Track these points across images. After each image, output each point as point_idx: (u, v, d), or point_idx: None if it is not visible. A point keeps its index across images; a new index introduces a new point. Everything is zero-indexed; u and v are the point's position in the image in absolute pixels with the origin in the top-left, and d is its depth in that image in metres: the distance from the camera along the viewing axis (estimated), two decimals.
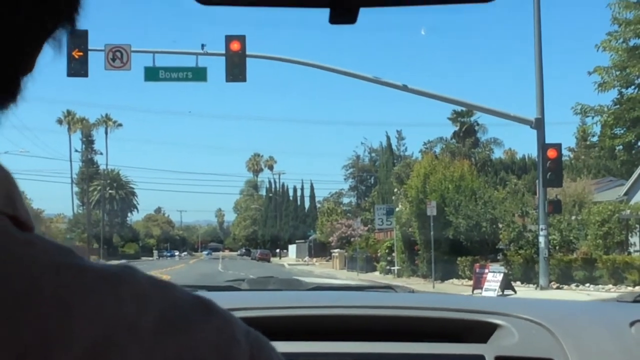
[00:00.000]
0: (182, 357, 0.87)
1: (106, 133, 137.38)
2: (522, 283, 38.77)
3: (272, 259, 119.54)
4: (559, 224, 41.27)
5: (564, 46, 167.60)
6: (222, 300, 2.98)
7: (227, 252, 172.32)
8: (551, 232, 37.91)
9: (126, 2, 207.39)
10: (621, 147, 35.33)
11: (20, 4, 0.89)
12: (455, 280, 45.59)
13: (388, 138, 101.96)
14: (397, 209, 59.27)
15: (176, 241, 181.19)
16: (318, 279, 47.86)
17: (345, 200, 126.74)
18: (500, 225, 45.47)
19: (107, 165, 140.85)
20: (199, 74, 36.62)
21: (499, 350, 2.65)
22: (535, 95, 35.19)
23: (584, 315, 2.99)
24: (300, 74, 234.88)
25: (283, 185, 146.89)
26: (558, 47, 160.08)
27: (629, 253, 40.01)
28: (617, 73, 34.00)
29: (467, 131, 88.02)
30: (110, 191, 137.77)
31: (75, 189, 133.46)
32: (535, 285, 35.84)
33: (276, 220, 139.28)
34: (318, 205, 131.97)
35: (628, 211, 41.47)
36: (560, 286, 36.77)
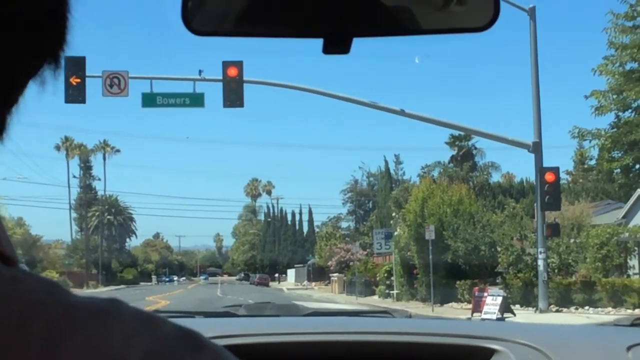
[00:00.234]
0: None
1: (104, 159, 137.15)
2: (521, 306, 38.68)
3: (271, 283, 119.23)
4: (557, 247, 41.22)
5: (561, 70, 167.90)
6: (220, 326, 2.99)
7: (225, 277, 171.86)
8: (550, 255, 37.86)
9: (123, 29, 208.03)
10: (619, 170, 35.37)
11: (6, 43, 0.88)
12: (454, 304, 45.48)
13: (386, 162, 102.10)
14: (395, 233, 59.19)
15: (175, 266, 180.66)
16: (317, 303, 47.81)
17: (344, 224, 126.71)
18: (498, 249, 45.41)
19: (105, 191, 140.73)
20: (196, 100, 36.61)
21: None
22: (533, 119, 35.23)
23: (581, 339, 2.99)
24: (297, 99, 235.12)
25: (281, 210, 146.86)
26: (555, 72, 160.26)
27: (628, 276, 39.99)
28: (614, 97, 34.04)
29: (464, 155, 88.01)
30: (108, 217, 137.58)
31: (74, 214, 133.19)
32: (535, 309, 35.77)
33: (275, 244, 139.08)
34: (316, 229, 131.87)
35: (626, 234, 41.44)
36: (560, 309, 36.70)
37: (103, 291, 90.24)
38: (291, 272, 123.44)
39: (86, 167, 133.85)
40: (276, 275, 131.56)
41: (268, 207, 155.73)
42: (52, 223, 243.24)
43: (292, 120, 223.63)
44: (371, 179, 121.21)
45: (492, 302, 31.96)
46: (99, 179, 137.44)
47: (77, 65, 33.40)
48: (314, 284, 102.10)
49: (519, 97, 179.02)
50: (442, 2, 1.54)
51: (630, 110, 34.39)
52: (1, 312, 0.82)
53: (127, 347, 0.85)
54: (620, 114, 34.69)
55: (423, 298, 49.75)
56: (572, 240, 43.59)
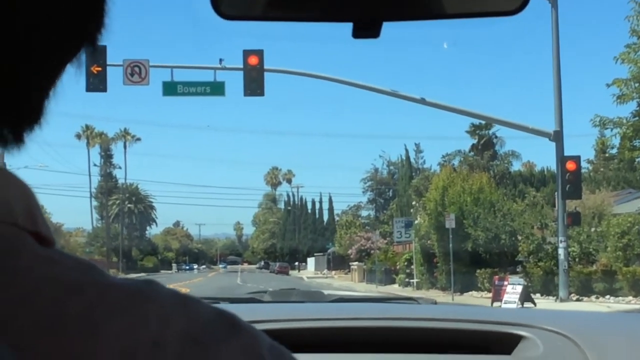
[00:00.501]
0: None
1: (125, 147, 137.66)
2: (541, 295, 38.61)
3: (290, 272, 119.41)
4: (578, 236, 41.13)
5: (583, 58, 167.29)
6: (245, 312, 2.99)
7: (245, 266, 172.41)
8: (570, 244, 37.76)
9: (144, 17, 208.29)
10: None
11: (47, 26, 0.88)
12: (474, 293, 45.46)
13: (406, 151, 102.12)
14: (415, 222, 59.19)
15: (195, 254, 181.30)
16: (337, 291, 47.81)
17: (364, 213, 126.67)
18: (519, 238, 45.36)
19: (125, 179, 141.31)
20: (217, 89, 36.68)
21: None
22: (554, 107, 35.13)
23: (609, 327, 2.98)
24: (318, 87, 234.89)
25: (301, 198, 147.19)
26: (577, 60, 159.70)
27: None
28: (636, 85, 33.79)
29: (485, 144, 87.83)
30: (129, 205, 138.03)
31: (94, 203, 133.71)
32: (555, 298, 35.71)
33: (295, 233, 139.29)
34: (337, 218, 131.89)
35: None
36: (580, 298, 36.62)
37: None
38: (311, 261, 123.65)
39: (107, 156, 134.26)
40: (296, 263, 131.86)
41: (288, 196, 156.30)
42: (73, 211, 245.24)
43: (312, 108, 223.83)
44: (391, 167, 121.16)
45: (513, 290, 31.92)
46: (120, 168, 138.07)
47: (99, 54, 33.38)
48: (333, 272, 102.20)
49: (540, 85, 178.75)
50: None
51: None
52: (39, 293, 0.82)
53: (164, 328, 0.85)
54: None
55: (443, 287, 49.73)
56: (592, 229, 43.49)
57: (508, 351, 2.73)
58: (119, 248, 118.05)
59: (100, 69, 33.68)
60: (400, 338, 2.83)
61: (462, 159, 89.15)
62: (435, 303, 3.64)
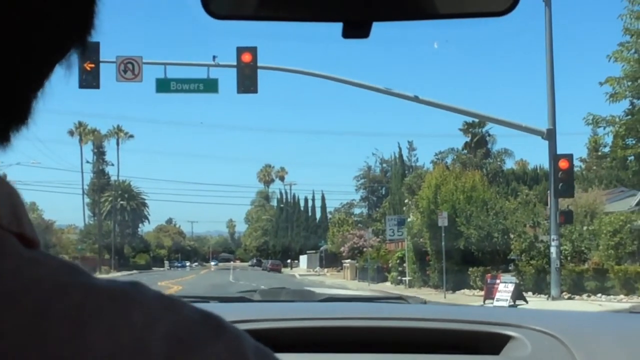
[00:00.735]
0: None
1: (117, 144, 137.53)
2: (533, 293, 38.68)
3: (283, 269, 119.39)
4: (570, 235, 41.19)
5: (576, 57, 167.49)
6: (234, 311, 3.00)
7: (238, 263, 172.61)
8: (563, 243, 37.82)
9: (137, 14, 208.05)
10: (633, 157, 35.19)
11: (35, 27, 0.88)
12: (466, 291, 45.52)
13: (399, 149, 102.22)
14: (408, 220, 59.19)
15: (187, 252, 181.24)
16: (329, 289, 47.79)
17: (357, 210, 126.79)
18: (511, 236, 45.41)
19: (118, 176, 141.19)
20: (210, 86, 36.66)
21: None
22: (547, 106, 35.17)
23: (597, 326, 2.99)
24: (311, 85, 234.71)
25: (294, 196, 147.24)
26: (570, 58, 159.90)
27: None
28: (629, 84, 33.87)
29: (478, 142, 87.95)
30: (121, 202, 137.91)
31: (87, 200, 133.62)
32: (547, 296, 35.77)
33: (287, 230, 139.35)
34: (329, 215, 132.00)
35: None
36: (572, 296, 36.69)
37: (116, 276, 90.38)
38: (303, 258, 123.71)
39: (99, 153, 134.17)
40: (288, 261, 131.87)
41: (281, 193, 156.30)
42: (65, 208, 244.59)
43: (305, 106, 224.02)
44: (384, 165, 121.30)
45: (505, 289, 31.98)
46: (112, 164, 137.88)
47: (91, 51, 33.35)
48: (326, 270, 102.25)
49: (533, 83, 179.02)
50: None
51: None
52: (23, 295, 0.82)
53: (149, 330, 0.85)
54: (635, 101, 34.52)
55: (435, 285, 49.78)
56: (585, 228, 43.55)
57: (496, 351, 2.74)
58: (111, 245, 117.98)
59: (93, 65, 33.63)
60: (389, 338, 2.83)
61: (455, 156, 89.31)
62: (425, 302, 3.65)
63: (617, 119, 34.78)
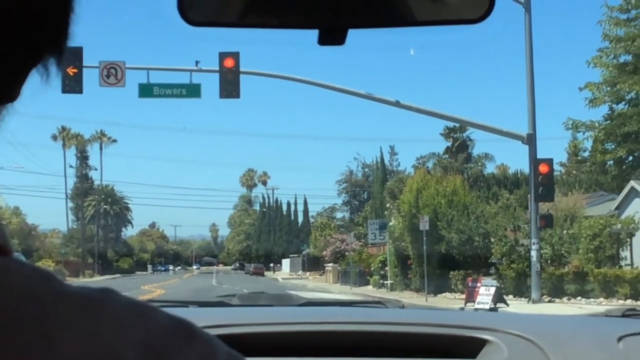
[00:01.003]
0: None
1: (101, 149, 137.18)
2: (514, 296, 38.72)
3: (266, 273, 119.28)
4: (550, 238, 41.26)
5: (556, 63, 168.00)
6: (213, 316, 2.99)
7: (221, 267, 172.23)
8: (543, 246, 37.91)
9: (120, 19, 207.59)
10: (612, 162, 35.39)
11: (7, 35, 0.87)
12: (448, 294, 45.53)
13: (381, 153, 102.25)
14: (390, 224, 59.18)
15: (170, 256, 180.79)
16: (312, 292, 47.82)
17: (339, 215, 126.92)
18: (492, 240, 45.46)
19: (101, 180, 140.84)
20: (193, 91, 36.59)
21: None
22: (527, 111, 35.25)
23: (573, 330, 2.99)
24: (294, 90, 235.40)
25: (277, 200, 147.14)
26: (550, 64, 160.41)
27: (620, 267, 40.06)
28: (608, 89, 34.04)
29: (459, 147, 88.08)
30: (104, 206, 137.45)
31: (70, 204, 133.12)
32: (528, 299, 35.83)
33: (270, 234, 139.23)
34: (311, 220, 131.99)
35: (619, 225, 41.52)
36: (552, 299, 36.76)
37: (99, 280, 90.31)
38: (286, 262, 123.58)
39: (83, 157, 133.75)
40: (271, 265, 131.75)
41: (263, 198, 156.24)
42: (48, 212, 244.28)
43: (288, 111, 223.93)
44: (366, 169, 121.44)
45: (486, 292, 31.99)
46: (96, 169, 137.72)
47: (74, 56, 33.40)
48: (308, 273, 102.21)
49: (513, 89, 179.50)
50: None
51: (623, 103, 34.41)
52: None
53: (120, 337, 0.85)
54: (614, 106, 34.73)
55: (417, 288, 49.79)
56: (565, 232, 43.65)
57: (473, 355, 2.74)
58: (94, 249, 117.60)
59: (76, 70, 33.54)
60: (367, 342, 2.83)
61: (436, 161, 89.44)
62: (403, 306, 3.64)
63: (596, 124, 34.97)
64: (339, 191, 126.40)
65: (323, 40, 1.45)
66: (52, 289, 0.86)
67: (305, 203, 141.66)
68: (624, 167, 35.26)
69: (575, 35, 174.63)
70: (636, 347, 2.74)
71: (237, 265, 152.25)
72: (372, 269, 63.18)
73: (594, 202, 58.00)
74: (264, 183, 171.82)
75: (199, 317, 2.91)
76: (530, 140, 34.31)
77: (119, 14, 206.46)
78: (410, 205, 50.50)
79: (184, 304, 3.63)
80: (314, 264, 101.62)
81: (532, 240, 34.50)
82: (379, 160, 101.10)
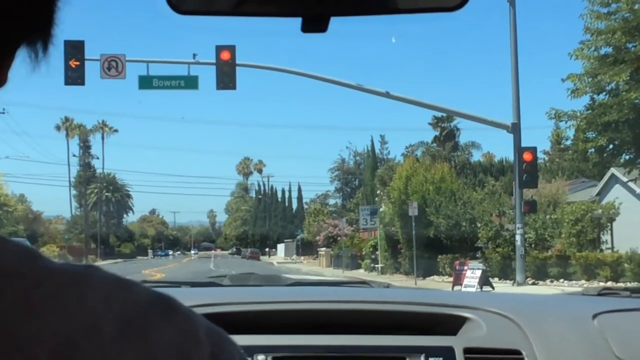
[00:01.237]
0: (144, 359, 0.85)
1: (103, 138, 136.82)
2: (499, 279, 38.78)
3: (261, 257, 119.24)
4: (534, 223, 41.31)
5: (539, 54, 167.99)
6: (204, 295, 2.99)
7: (218, 251, 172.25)
8: (527, 231, 37.94)
9: (121, 14, 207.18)
10: (593, 150, 35.27)
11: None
12: (436, 277, 45.57)
13: (372, 142, 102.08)
14: (380, 210, 59.21)
15: (170, 241, 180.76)
16: (306, 276, 47.84)
17: (331, 201, 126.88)
18: (478, 225, 45.50)
19: (103, 169, 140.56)
20: (190, 82, 36.53)
21: (467, 342, 2.66)
22: (512, 101, 35.23)
23: (550, 308, 3.00)
24: (288, 81, 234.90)
25: (272, 187, 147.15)
26: (533, 55, 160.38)
27: (601, 250, 40.11)
28: (589, 80, 33.94)
29: (447, 135, 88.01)
30: (106, 194, 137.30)
31: (73, 192, 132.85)
32: (513, 282, 35.85)
33: (265, 220, 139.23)
34: (305, 206, 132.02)
35: (600, 211, 41.56)
36: (536, 282, 36.80)
37: (101, 264, 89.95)
38: (281, 247, 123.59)
39: (85, 147, 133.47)
40: (266, 249, 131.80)
41: (259, 185, 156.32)
42: (52, 200, 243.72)
43: (282, 101, 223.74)
44: (357, 158, 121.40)
45: (472, 275, 32.00)
46: (98, 158, 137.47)
47: (76, 49, 33.39)
48: (302, 258, 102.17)
49: (499, 80, 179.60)
50: None
51: (604, 93, 34.31)
52: None
53: (102, 312, 0.85)
54: (595, 96, 34.61)
55: (406, 271, 49.84)
56: (548, 217, 43.70)
57: (453, 332, 2.75)
58: (97, 235, 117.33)
59: (78, 63, 33.49)
60: (352, 320, 2.84)
61: (424, 149, 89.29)
62: (388, 286, 3.64)
63: (578, 114, 34.87)
64: (331, 178, 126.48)
65: (306, 28, 1.45)
66: (37, 265, 0.86)
67: (300, 190, 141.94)
68: (604, 155, 35.16)
69: (558, 29, 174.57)
70: (610, 323, 2.75)
71: (234, 250, 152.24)
72: (363, 253, 63.20)
73: (576, 188, 58.14)
74: (260, 171, 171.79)
75: (190, 297, 2.91)
76: (515, 129, 34.31)
77: (119, 8, 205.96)
78: (400, 191, 50.50)
79: (177, 284, 3.62)
80: (307, 249, 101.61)
81: (517, 225, 34.51)
82: (369, 148, 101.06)
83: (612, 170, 43.95)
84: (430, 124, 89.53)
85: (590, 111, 34.66)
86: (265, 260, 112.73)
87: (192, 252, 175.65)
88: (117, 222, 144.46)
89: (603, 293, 3.41)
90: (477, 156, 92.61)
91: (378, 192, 75.02)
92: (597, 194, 48.35)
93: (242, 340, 2.55)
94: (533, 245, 40.58)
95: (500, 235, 42.40)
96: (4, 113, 73.76)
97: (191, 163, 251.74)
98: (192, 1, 1.52)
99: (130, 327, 0.86)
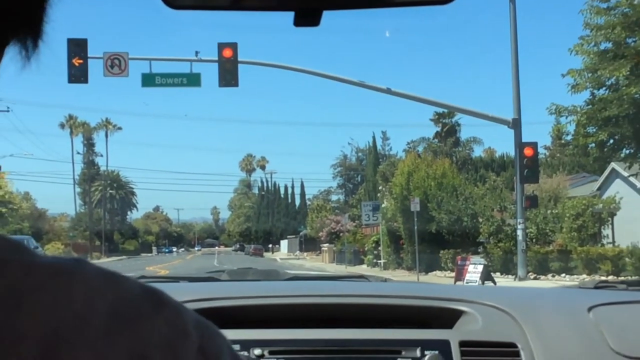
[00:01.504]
0: (132, 352, 0.85)
1: (106, 136, 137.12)
2: (501, 274, 38.79)
3: (264, 253, 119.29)
4: (535, 218, 41.32)
5: (540, 50, 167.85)
6: (203, 290, 2.99)
7: (222, 248, 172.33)
8: (528, 226, 37.92)
9: (123, 12, 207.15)
10: (594, 145, 35.21)
11: None
12: (438, 272, 45.58)
13: (374, 138, 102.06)
14: (382, 205, 59.20)
15: (174, 238, 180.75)
16: (309, 272, 47.85)
17: (334, 197, 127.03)
18: (480, 220, 45.47)
19: (107, 166, 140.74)
20: (193, 80, 36.54)
21: (463, 335, 2.66)
22: (512, 96, 35.21)
23: (545, 301, 2.99)
24: (290, 78, 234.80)
25: (275, 183, 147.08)
26: (534, 51, 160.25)
27: (602, 245, 40.12)
28: (589, 75, 33.89)
29: (448, 131, 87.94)
30: (110, 191, 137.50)
31: (78, 189, 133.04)
32: (514, 276, 35.86)
33: (268, 217, 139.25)
34: (308, 202, 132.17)
35: (600, 205, 41.55)
36: (538, 277, 36.81)
37: (106, 261, 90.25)
38: (284, 243, 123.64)
39: (89, 144, 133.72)
40: (270, 245, 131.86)
41: (262, 181, 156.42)
42: (57, 197, 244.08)
43: (285, 98, 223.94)
44: (360, 154, 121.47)
45: (474, 270, 31.98)
46: (102, 155, 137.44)
47: (79, 47, 33.43)
48: (305, 254, 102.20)
49: (500, 75, 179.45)
50: None
51: (604, 88, 34.25)
52: None
53: (89, 305, 0.85)
54: (595, 91, 34.54)
55: (409, 267, 49.84)
56: (549, 212, 43.69)
57: (449, 325, 2.75)
58: (101, 232, 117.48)
59: (81, 61, 33.52)
60: (349, 313, 2.84)
61: (426, 145, 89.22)
62: (385, 281, 3.64)
63: (578, 109, 34.82)
64: (334, 175, 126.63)
65: (298, 22, 1.44)
66: (24, 258, 0.86)
67: (302, 186, 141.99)
68: (605, 149, 35.09)
69: (558, 24, 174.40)
70: (605, 316, 2.75)
71: (238, 246, 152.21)
72: (366, 248, 63.23)
73: (577, 183, 58.11)
74: (263, 167, 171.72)
75: (189, 291, 2.91)
76: (516, 124, 34.30)
77: (122, 6, 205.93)
78: (402, 187, 50.52)
79: (175, 279, 3.62)
80: (310, 245, 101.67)
81: (518, 220, 34.50)
82: (371, 145, 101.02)
83: (613, 165, 43.90)
84: (431, 120, 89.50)
85: (590, 106, 34.62)
86: (268, 256, 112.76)
87: (196, 248, 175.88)
88: (121, 219, 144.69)
89: (600, 286, 3.41)
90: (478, 152, 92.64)
91: (380, 188, 75.01)
92: (598, 189, 48.33)
93: (239, 334, 2.56)
94: (534, 240, 40.59)
95: (502, 230, 42.42)
96: (8, 111, 73.63)
97: (194, 160, 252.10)
98: None
99: (119, 320, 0.85)
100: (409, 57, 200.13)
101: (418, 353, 2.59)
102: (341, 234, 75.67)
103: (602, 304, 2.83)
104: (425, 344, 2.61)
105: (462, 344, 2.61)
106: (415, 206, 42.17)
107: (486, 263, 34.35)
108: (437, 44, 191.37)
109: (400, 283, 5.23)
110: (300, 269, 54.55)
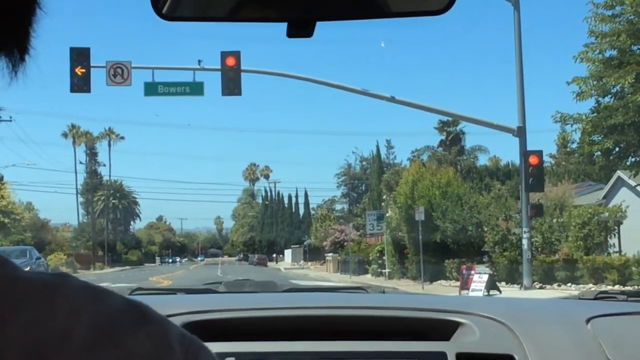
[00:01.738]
0: None
1: (109, 145, 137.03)
2: (506, 283, 38.75)
3: (268, 263, 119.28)
4: (541, 227, 41.28)
5: (544, 58, 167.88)
6: (200, 302, 2.99)
7: (226, 258, 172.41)
8: (534, 235, 37.89)
9: (126, 21, 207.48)
10: (599, 153, 35.20)
11: None
12: (443, 282, 45.53)
13: (378, 147, 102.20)
14: (387, 215, 59.19)
15: (177, 248, 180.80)
16: (313, 281, 47.81)
17: (338, 206, 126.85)
18: (485, 229, 45.44)
19: (110, 176, 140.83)
20: (196, 89, 36.54)
21: (460, 347, 2.66)
22: (517, 104, 35.19)
23: (544, 312, 3.00)
24: (294, 87, 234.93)
25: (278, 193, 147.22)
26: (538, 59, 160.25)
27: (608, 254, 40.07)
28: (594, 83, 33.93)
29: (453, 140, 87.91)
30: (113, 201, 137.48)
31: (80, 199, 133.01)
32: (520, 286, 35.82)
33: (272, 226, 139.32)
34: (312, 211, 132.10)
35: (606, 214, 41.52)
36: (543, 286, 36.76)
37: (109, 272, 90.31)
38: (288, 253, 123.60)
39: (92, 154, 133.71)
40: (274, 255, 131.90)
41: (266, 191, 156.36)
42: (59, 207, 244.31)
43: (288, 107, 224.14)
44: (364, 163, 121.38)
45: (479, 279, 31.97)
46: (104, 165, 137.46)
47: (82, 56, 33.47)
48: (309, 263, 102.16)
49: (505, 84, 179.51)
50: None
51: (609, 96, 34.28)
52: None
53: (73, 320, 0.84)
54: (600, 99, 34.59)
55: (413, 276, 49.79)
56: (554, 220, 43.65)
57: (446, 337, 2.75)
58: (104, 242, 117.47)
59: (84, 70, 33.55)
60: (347, 325, 2.84)
61: (430, 154, 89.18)
62: (384, 292, 3.63)
63: (583, 117, 34.85)
64: (338, 184, 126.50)
65: (291, 33, 1.45)
66: (6, 273, 0.85)
67: (306, 195, 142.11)
68: (610, 157, 35.09)
69: (563, 32, 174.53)
70: (604, 328, 2.75)
71: (241, 256, 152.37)
72: (370, 258, 63.17)
73: (583, 191, 58.04)
74: (266, 177, 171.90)
75: (185, 303, 2.91)
76: (521, 132, 34.28)
77: (125, 16, 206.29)
78: (406, 196, 50.48)
79: (172, 291, 3.62)
80: (314, 254, 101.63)
81: (523, 229, 34.47)
82: (375, 153, 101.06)
83: (619, 173, 43.87)
84: (436, 128, 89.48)
85: (595, 114, 34.64)
86: (272, 266, 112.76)
87: (199, 258, 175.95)
88: (124, 229, 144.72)
89: (599, 297, 3.41)
90: (483, 160, 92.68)
91: (384, 197, 74.98)
92: (604, 197, 48.30)
93: (235, 347, 2.56)
94: (540, 249, 40.56)
95: (507, 239, 42.38)
96: (10, 121, 73.79)
97: (197, 169, 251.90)
98: (177, 8, 1.52)
99: (102, 336, 0.85)
100: (412, 66, 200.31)
101: None
102: (345, 244, 75.61)
103: (601, 315, 2.83)
104: (422, 356, 2.61)
105: (459, 356, 2.61)
106: (419, 215, 42.15)
107: (491, 272, 34.36)
108: (441, 52, 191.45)
109: (398, 295, 5.24)
110: (305, 279, 54.55)
